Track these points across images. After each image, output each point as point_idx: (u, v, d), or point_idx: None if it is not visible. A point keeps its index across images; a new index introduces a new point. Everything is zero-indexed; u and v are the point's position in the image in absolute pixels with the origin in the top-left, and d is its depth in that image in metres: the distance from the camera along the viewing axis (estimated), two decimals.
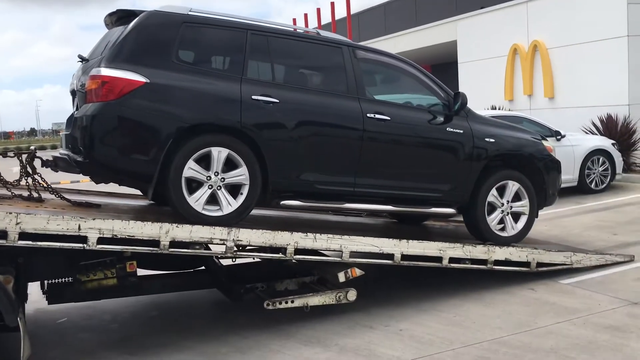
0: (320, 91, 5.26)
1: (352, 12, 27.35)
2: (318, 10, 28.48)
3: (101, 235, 4.06)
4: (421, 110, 5.64)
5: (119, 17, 4.94)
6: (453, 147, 5.57)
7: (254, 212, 6.04)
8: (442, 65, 23.69)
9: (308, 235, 4.76)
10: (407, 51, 22.17)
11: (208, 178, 4.54)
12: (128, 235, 4.15)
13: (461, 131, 5.59)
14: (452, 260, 5.37)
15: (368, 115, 5.16)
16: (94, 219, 4.05)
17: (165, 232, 4.25)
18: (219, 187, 4.57)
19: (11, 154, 4.99)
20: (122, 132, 4.43)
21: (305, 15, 29.86)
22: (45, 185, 4.92)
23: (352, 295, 4.95)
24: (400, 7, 25.93)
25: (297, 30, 5.32)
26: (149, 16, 4.65)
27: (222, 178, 4.58)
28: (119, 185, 5.00)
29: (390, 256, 5.12)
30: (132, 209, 5.43)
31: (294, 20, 30.45)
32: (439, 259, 5.32)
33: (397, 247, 5.12)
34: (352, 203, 5.30)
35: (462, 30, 19.76)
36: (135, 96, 4.38)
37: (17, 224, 3.83)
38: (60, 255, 4.32)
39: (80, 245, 4.03)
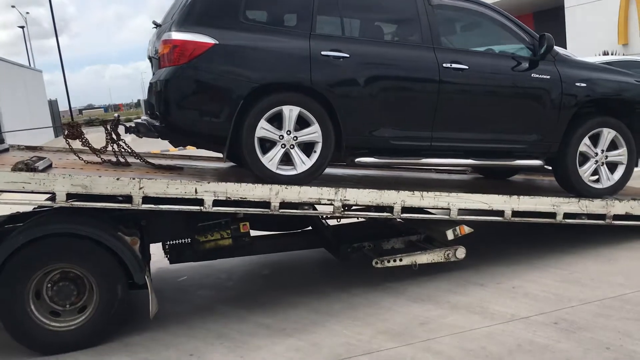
0: (393, 43, 5.10)
1: None
2: None
3: (216, 198, 4.23)
4: (503, 57, 5.29)
5: None
6: (538, 94, 5.19)
7: (350, 171, 6.10)
8: (545, 12, 22.26)
9: (415, 194, 4.71)
10: None
11: (281, 137, 4.51)
12: (240, 197, 4.30)
13: (548, 77, 5.19)
14: (566, 215, 5.13)
15: (444, 65, 4.91)
16: (208, 182, 4.23)
17: (275, 193, 4.36)
18: (292, 146, 4.54)
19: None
20: (195, 94, 4.48)
21: None
22: (130, 150, 5.09)
23: (461, 253, 4.88)
24: None
25: None
26: None
27: (294, 137, 4.54)
28: (196, 148, 5.09)
29: (500, 213, 4.98)
30: (216, 171, 5.55)
31: None
32: (552, 215, 5.10)
33: (507, 204, 4.95)
34: (430, 158, 5.12)
35: None
36: (205, 58, 4.40)
37: (140, 188, 4.07)
38: (179, 217, 4.57)
39: (197, 207, 4.23)
